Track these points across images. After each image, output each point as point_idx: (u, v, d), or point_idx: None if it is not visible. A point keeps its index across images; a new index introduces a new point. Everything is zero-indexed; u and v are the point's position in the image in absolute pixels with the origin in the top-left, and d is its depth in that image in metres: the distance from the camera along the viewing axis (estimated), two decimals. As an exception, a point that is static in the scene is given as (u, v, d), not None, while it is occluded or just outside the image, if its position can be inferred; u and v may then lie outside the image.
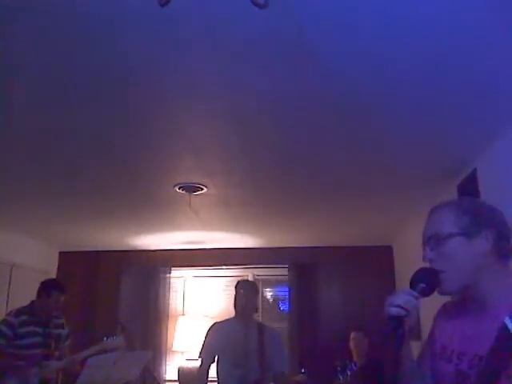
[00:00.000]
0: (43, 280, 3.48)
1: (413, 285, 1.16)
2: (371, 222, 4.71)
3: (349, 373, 3.72)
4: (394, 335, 1.08)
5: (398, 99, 2.27)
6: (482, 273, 1.16)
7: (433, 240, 1.20)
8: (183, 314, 5.78)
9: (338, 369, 3.82)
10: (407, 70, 2.00)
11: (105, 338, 3.32)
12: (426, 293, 1.16)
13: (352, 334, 4.64)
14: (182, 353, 5.42)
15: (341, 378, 3.76)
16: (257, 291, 3.31)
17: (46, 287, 3.37)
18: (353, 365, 3.85)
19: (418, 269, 1.20)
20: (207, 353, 3.11)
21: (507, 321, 0.89)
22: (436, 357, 1.26)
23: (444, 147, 2.84)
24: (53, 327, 3.38)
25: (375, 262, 5.45)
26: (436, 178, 3.33)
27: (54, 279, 3.69)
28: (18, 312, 3.27)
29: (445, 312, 1.34)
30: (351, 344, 4.59)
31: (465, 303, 1.24)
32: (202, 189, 3.60)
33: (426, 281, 1.16)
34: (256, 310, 3.29)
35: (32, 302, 3.36)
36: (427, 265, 1.23)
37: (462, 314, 1.25)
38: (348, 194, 3.82)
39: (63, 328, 3.50)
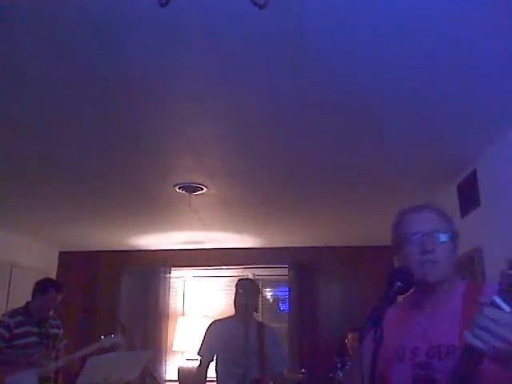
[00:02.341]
0: (38, 279, 3.46)
1: (390, 283, 1.18)
2: (371, 222, 4.71)
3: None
4: (373, 334, 1.09)
5: (397, 100, 2.27)
6: (450, 274, 1.29)
7: (434, 234, 1.27)
8: (183, 314, 5.78)
9: (338, 366, 3.81)
10: (407, 70, 2.01)
11: (102, 337, 3.32)
12: (401, 291, 1.18)
13: (348, 336, 4.64)
14: (182, 353, 5.42)
15: (341, 374, 3.75)
16: (257, 290, 3.30)
17: (42, 286, 3.36)
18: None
19: (395, 267, 1.25)
20: (206, 351, 3.10)
21: (496, 298, 0.92)
22: (387, 361, 1.26)
23: (444, 147, 2.84)
24: (49, 327, 3.37)
25: (375, 262, 5.43)
26: (436, 178, 3.33)
27: (49, 278, 3.67)
28: (14, 313, 3.26)
29: (390, 319, 1.36)
30: (348, 345, 4.60)
31: (417, 302, 1.33)
32: (202, 189, 3.60)
33: (403, 280, 1.19)
34: (256, 310, 3.28)
35: (27, 302, 3.35)
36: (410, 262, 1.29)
37: (411, 313, 1.33)
38: (348, 194, 3.82)
39: (59, 329, 3.49)
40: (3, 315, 3.30)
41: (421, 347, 1.24)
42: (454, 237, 1.31)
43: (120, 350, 3.70)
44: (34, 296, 3.36)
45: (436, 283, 1.27)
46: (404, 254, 1.30)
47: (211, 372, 3.11)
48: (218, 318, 3.37)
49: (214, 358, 3.09)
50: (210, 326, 3.21)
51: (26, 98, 2.28)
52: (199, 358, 3.12)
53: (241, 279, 3.30)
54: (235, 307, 3.16)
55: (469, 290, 1.26)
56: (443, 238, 1.28)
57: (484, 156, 2.85)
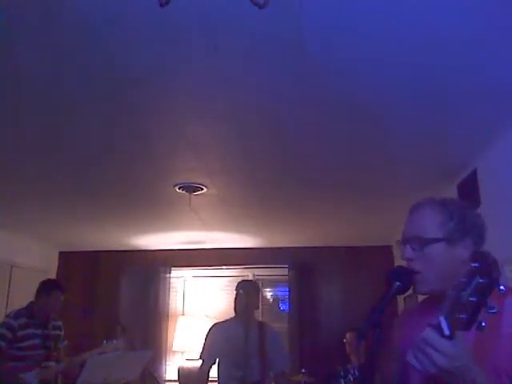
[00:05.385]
0: (42, 280, 3.47)
1: (389, 283, 1.17)
2: (371, 222, 4.71)
3: (351, 378, 3.71)
4: (373, 334, 1.09)
5: (397, 100, 2.27)
6: (455, 278, 1.16)
7: (415, 241, 1.19)
8: (183, 314, 5.78)
9: (341, 374, 3.80)
10: (407, 71, 2.00)
11: (104, 341, 3.32)
12: (400, 291, 1.17)
13: (347, 335, 4.65)
14: (182, 353, 5.42)
15: (342, 382, 3.74)
16: (257, 291, 3.30)
17: (46, 287, 3.36)
18: (355, 370, 3.84)
19: (394, 267, 1.23)
20: (208, 355, 3.10)
21: (441, 319, 0.90)
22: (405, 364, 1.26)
23: (444, 147, 2.84)
24: (51, 329, 3.37)
25: (375, 261, 5.44)
26: (436, 178, 3.33)
27: (53, 279, 3.67)
28: (17, 314, 3.25)
29: (405, 320, 1.35)
30: (346, 344, 4.61)
31: (433, 306, 1.25)
32: (202, 189, 3.60)
33: (402, 279, 1.18)
34: (257, 308, 3.28)
35: (31, 303, 3.35)
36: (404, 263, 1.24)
37: (431, 316, 1.26)
38: (348, 194, 3.82)
39: (61, 330, 3.50)
40: (7, 316, 3.29)
41: None
42: (454, 236, 1.17)
43: (120, 350, 3.70)
44: (37, 297, 3.35)
45: (426, 293, 1.22)
46: None
47: (212, 373, 3.11)
48: (218, 318, 3.38)
49: (216, 361, 3.08)
50: (210, 328, 3.21)
51: (24, 99, 2.28)
52: (201, 360, 3.12)
53: (241, 281, 3.30)
54: (235, 309, 3.15)
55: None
56: (423, 245, 1.17)
57: (484, 156, 2.85)
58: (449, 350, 0.88)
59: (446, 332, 0.88)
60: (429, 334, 0.90)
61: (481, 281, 0.85)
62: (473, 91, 2.17)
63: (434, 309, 1.26)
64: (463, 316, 0.86)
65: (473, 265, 0.87)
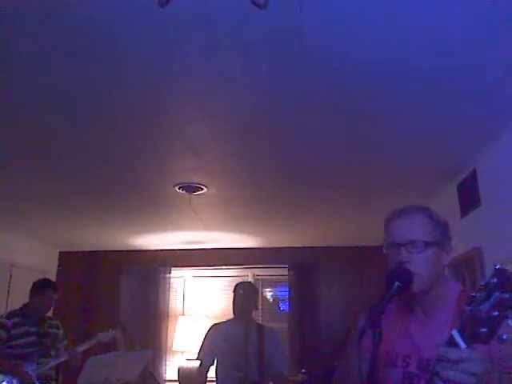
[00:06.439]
0: (35, 280, 3.48)
1: (389, 283, 1.19)
2: (371, 222, 4.69)
3: None
4: (372, 334, 1.10)
5: (397, 100, 2.27)
6: (437, 281, 1.27)
7: (412, 244, 1.25)
8: (183, 314, 5.78)
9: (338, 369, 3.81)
10: (406, 70, 2.01)
11: (99, 333, 3.35)
12: (400, 291, 1.20)
13: (352, 333, 4.64)
14: (182, 353, 5.41)
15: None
16: (256, 292, 3.30)
17: (39, 286, 3.38)
18: None
19: (394, 268, 1.26)
20: (206, 355, 3.10)
21: (455, 334, 0.91)
22: (379, 363, 1.26)
23: (444, 147, 2.84)
24: (47, 327, 3.39)
25: (375, 261, 5.42)
26: (436, 178, 3.33)
27: (45, 278, 3.68)
28: (11, 314, 3.28)
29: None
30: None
31: (409, 308, 1.31)
32: (202, 189, 3.60)
33: (401, 279, 1.20)
34: (256, 308, 3.28)
35: (24, 304, 3.37)
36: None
37: (403, 319, 1.32)
38: (348, 194, 3.82)
39: (58, 328, 3.50)
40: (0, 317, 3.31)
41: (412, 357, 1.24)
42: (440, 242, 1.27)
43: (120, 350, 3.71)
44: (30, 296, 3.37)
45: (416, 293, 1.25)
46: (389, 260, 1.30)
47: (211, 373, 3.10)
48: (218, 318, 3.38)
49: (214, 362, 3.08)
50: (209, 329, 3.21)
51: (25, 99, 2.28)
52: (199, 361, 3.12)
53: (239, 282, 3.31)
54: (234, 310, 3.15)
55: (461, 298, 1.21)
56: (420, 248, 1.24)
57: (484, 156, 2.85)
58: (475, 356, 0.90)
59: (463, 346, 0.90)
60: (447, 350, 0.91)
61: (505, 296, 0.86)
62: (473, 91, 2.17)
63: (403, 310, 1.33)
64: (484, 330, 0.87)
65: (491, 280, 0.88)
